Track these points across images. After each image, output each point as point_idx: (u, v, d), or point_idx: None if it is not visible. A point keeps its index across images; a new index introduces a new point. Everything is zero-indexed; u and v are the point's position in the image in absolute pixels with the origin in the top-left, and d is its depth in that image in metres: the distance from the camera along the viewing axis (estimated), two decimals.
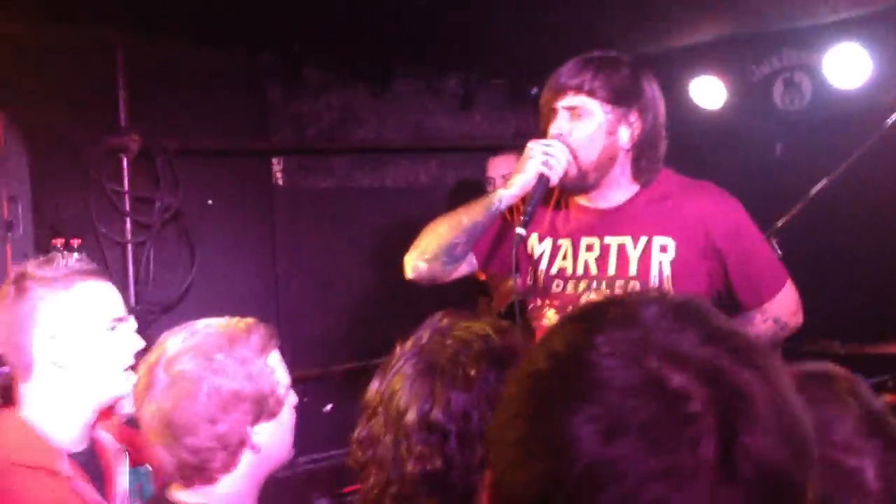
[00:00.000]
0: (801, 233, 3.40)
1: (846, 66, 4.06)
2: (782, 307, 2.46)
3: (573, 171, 2.38)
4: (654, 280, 2.35)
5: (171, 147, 3.81)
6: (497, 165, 4.23)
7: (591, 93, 2.36)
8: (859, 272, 4.00)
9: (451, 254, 2.47)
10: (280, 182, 4.31)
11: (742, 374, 0.74)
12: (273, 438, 1.61)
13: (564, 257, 2.47)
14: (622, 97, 2.37)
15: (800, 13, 4.05)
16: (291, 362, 1.73)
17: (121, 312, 1.91)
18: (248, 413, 1.56)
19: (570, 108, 2.38)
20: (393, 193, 4.68)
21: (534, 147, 2.39)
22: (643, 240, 2.39)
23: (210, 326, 1.61)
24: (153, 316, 3.65)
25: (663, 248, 2.37)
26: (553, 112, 2.41)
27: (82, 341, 1.83)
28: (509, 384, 0.79)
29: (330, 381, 3.86)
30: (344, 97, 4.50)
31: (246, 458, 1.58)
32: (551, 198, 2.55)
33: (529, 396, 0.75)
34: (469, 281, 2.79)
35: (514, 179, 2.40)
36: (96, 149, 3.66)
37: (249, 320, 1.66)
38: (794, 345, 2.67)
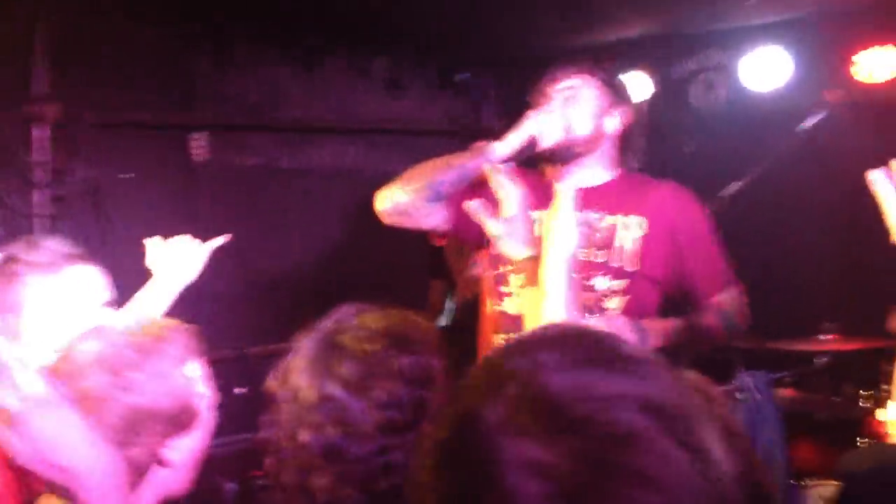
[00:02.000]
0: None
1: (764, 68, 4.17)
2: (731, 305, 2.59)
3: (563, 144, 2.51)
4: (616, 251, 2.51)
5: (91, 119, 3.72)
6: None
7: (590, 73, 2.55)
8: (762, 272, 4.13)
9: (437, 189, 2.44)
10: (203, 159, 4.24)
11: None
12: (185, 454, 1.46)
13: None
14: (613, 88, 2.59)
15: (724, 15, 4.15)
16: (211, 344, 1.70)
17: (108, 296, 1.95)
18: (161, 433, 1.40)
19: (566, 88, 2.53)
20: (318, 174, 4.65)
21: (533, 113, 2.51)
22: (613, 216, 2.55)
23: (122, 334, 1.43)
24: None
25: (631, 225, 2.53)
26: (546, 97, 2.54)
27: (72, 325, 1.83)
28: (424, 439, 0.87)
29: (244, 364, 3.83)
30: (271, 74, 4.44)
31: (154, 475, 1.42)
32: (534, 172, 2.63)
33: (434, 461, 0.84)
34: (416, 264, 2.79)
35: (509, 136, 2.48)
36: (11, 117, 3.54)
37: (167, 324, 1.49)
38: None
